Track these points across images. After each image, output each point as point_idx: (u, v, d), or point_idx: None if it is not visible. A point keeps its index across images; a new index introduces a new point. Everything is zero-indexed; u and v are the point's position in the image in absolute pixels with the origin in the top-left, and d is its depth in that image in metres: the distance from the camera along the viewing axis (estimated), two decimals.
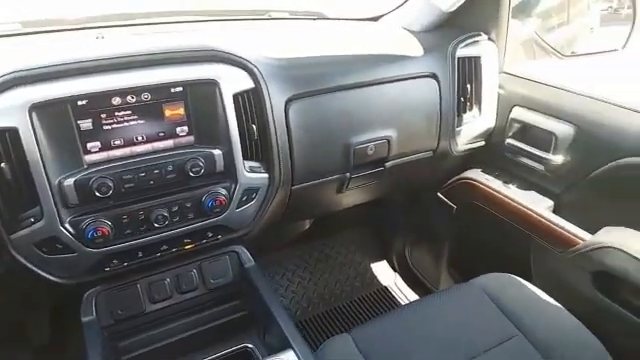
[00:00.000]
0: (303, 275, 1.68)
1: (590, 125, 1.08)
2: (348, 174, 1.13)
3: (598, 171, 1.07)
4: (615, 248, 1.00)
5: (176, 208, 0.91)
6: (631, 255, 0.97)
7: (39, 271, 0.85)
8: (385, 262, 1.78)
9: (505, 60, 1.29)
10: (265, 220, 1.05)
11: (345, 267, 1.73)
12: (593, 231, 1.09)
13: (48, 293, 0.97)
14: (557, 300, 1.06)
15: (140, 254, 0.93)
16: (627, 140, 1.00)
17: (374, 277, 1.71)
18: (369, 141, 1.12)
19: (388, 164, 1.19)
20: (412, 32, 1.31)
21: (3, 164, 0.76)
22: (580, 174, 1.12)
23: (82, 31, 1.14)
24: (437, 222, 1.53)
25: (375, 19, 1.45)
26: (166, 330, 1.03)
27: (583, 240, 1.08)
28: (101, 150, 0.83)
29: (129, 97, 0.83)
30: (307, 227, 1.63)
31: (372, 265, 1.76)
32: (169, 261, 0.98)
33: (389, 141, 1.14)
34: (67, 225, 0.82)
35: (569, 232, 1.12)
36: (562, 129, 1.14)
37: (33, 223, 0.79)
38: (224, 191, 0.95)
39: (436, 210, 1.48)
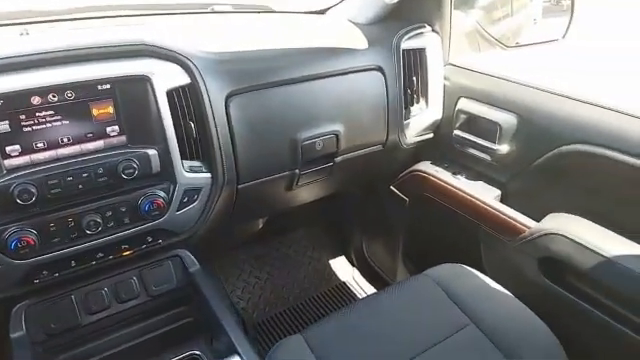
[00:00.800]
0: (260, 275, 1.65)
1: (532, 114, 1.10)
2: (297, 170, 1.11)
3: (541, 159, 1.09)
4: (558, 234, 1.02)
5: (110, 213, 0.87)
6: (573, 240, 0.99)
7: None
8: (343, 257, 1.77)
9: (450, 52, 1.30)
10: (210, 221, 1.02)
11: (303, 265, 1.71)
12: (539, 218, 1.11)
13: None
14: (506, 288, 1.07)
15: (73, 263, 0.88)
16: (568, 128, 1.02)
17: (332, 273, 1.70)
18: (317, 136, 1.10)
19: (338, 159, 1.17)
20: (357, 25, 1.30)
21: None
22: (524, 163, 1.14)
23: (6, 27, 1.06)
24: (391, 215, 1.53)
25: (322, 12, 1.42)
26: (107, 341, 0.97)
27: (529, 228, 1.10)
28: (22, 154, 0.78)
29: (50, 96, 0.78)
30: (260, 226, 1.59)
31: (330, 261, 1.75)
32: (106, 269, 0.93)
33: (337, 136, 1.13)
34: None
35: (516, 220, 1.14)
36: (506, 119, 1.15)
37: None
38: (162, 193, 0.91)
39: (390, 203, 1.48)
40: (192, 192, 0.95)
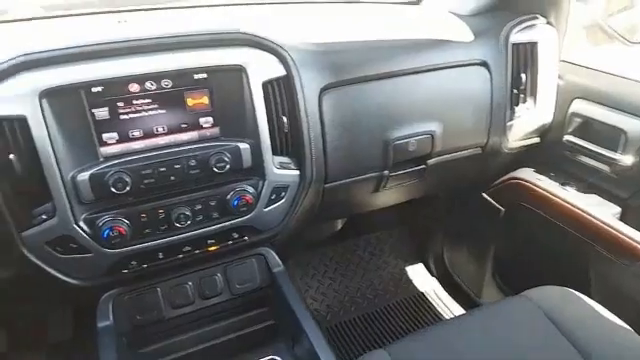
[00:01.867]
0: (334, 277, 1.59)
1: None
2: (386, 172, 1.03)
3: None
4: None
5: (199, 206, 0.83)
6: None
7: (53, 272, 0.79)
8: (422, 266, 1.66)
9: (565, 47, 1.15)
10: (295, 220, 0.97)
11: (379, 270, 1.63)
12: None
13: (63, 294, 0.91)
14: (621, 318, 0.92)
15: (160, 255, 0.86)
16: None
17: (409, 282, 1.61)
18: (410, 136, 1.01)
19: (431, 161, 1.08)
20: (460, 16, 1.19)
21: (12, 156, 0.70)
22: None
23: (105, 15, 1.07)
24: (481, 225, 1.41)
25: (417, 2, 1.33)
26: (188, 338, 0.95)
27: None
28: (118, 142, 0.77)
29: (148, 84, 0.76)
30: (339, 227, 1.53)
31: (407, 268, 1.66)
32: (191, 263, 0.91)
33: (433, 136, 1.03)
34: (81, 223, 0.76)
35: (638, 242, 0.98)
36: (633, 125, 1.00)
37: (45, 220, 0.74)
38: (251, 189, 0.87)
39: (481, 212, 1.36)
40: (280, 189, 0.91)
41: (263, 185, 0.87)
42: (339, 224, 1.53)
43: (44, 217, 0.74)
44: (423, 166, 1.08)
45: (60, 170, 0.72)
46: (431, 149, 1.05)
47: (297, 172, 0.90)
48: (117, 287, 0.88)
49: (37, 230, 0.74)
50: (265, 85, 0.83)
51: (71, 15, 1.05)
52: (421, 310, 1.53)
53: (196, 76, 0.79)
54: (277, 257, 0.99)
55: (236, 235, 0.91)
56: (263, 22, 1.02)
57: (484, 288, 1.46)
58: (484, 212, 1.35)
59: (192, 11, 1.16)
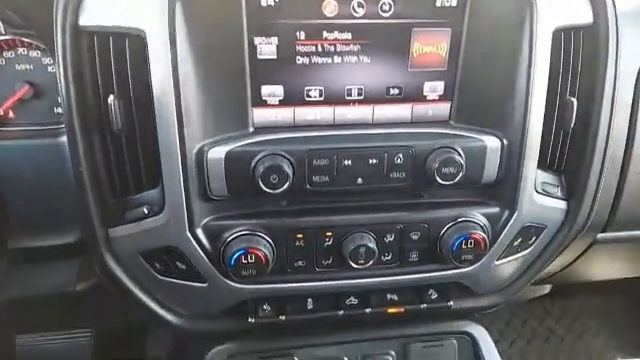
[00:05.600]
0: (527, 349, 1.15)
1: None
2: None
3: None
4: None
5: (391, 238, 0.50)
6: None
7: (145, 298, 0.51)
8: None
9: None
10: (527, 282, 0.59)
11: (578, 354, 1.14)
12: None
13: (155, 337, 0.63)
14: None
15: (310, 305, 0.54)
16: None
17: None
18: None
19: None
20: None
21: (112, 98, 0.41)
22: None
23: None
24: None
25: None
26: None
27: None
28: (283, 104, 0.47)
29: (355, 3, 0.42)
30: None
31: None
32: (352, 328, 0.60)
33: None
34: (200, 232, 0.48)
35: None
36: None
37: (146, 216, 0.47)
38: (486, 223, 0.49)
39: None
40: (532, 231, 0.53)
41: (509, 219, 0.51)
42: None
43: (145, 211, 0.47)
44: None
45: (182, 136, 0.44)
46: None
47: (564, 205, 0.54)
48: (233, 341, 0.56)
49: (131, 229, 0.48)
50: (558, 35, 0.46)
51: None
52: None
53: (440, 2, 0.42)
54: (491, 341, 0.59)
55: (435, 295, 0.55)
56: None
57: None
58: None
59: None
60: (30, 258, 0.53)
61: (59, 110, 0.49)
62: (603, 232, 0.59)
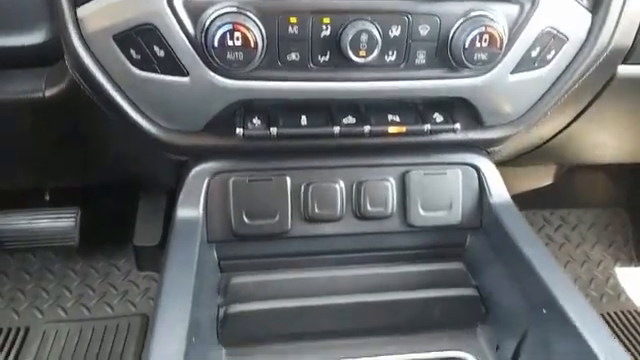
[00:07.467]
0: None
1: None
2: None
3: None
4: None
5: (397, 32, 0.44)
6: None
7: (118, 98, 0.46)
8: None
9: None
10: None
11: (574, 263, 1.12)
12: None
13: (131, 153, 0.58)
14: None
15: (304, 120, 0.48)
16: None
17: (622, 291, 1.07)
18: None
19: None
20: None
21: None
22: None
23: None
24: None
25: None
26: (318, 279, 0.56)
27: None
28: None
29: None
30: None
31: (617, 271, 1.11)
32: (348, 154, 0.55)
33: None
34: (179, 5, 0.42)
35: None
36: None
37: None
38: (501, 16, 0.45)
39: None
40: (550, 40, 0.48)
41: (529, 17, 0.45)
42: None
43: None
44: None
45: None
46: None
47: (588, 18, 0.49)
48: (220, 159, 0.51)
49: (101, 2, 0.41)
50: None
51: None
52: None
53: None
54: (499, 176, 0.54)
55: (440, 118, 0.49)
56: None
57: None
58: None
59: None
60: None
61: None
62: (626, 62, 0.54)
